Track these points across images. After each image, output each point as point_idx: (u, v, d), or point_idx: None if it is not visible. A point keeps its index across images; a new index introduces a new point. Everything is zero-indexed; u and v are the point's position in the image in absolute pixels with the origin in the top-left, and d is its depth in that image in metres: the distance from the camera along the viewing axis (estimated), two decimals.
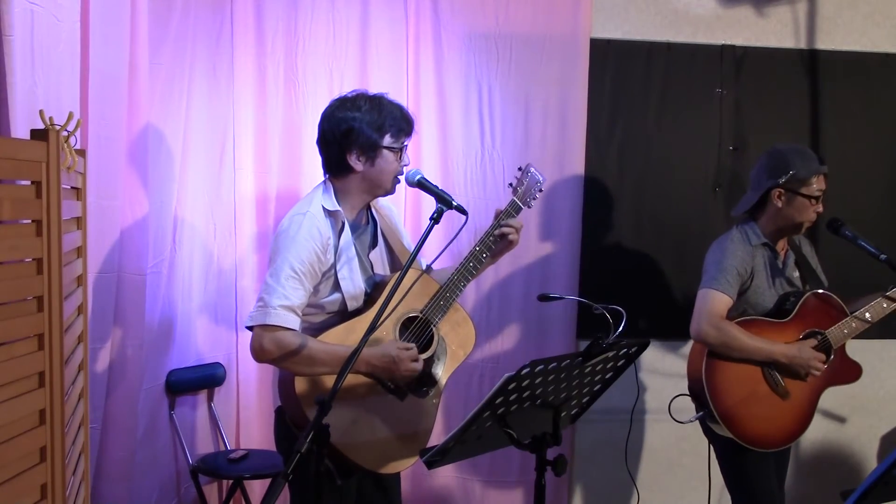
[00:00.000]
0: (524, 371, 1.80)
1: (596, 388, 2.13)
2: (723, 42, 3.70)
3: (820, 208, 2.80)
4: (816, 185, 2.78)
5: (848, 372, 2.89)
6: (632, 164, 3.69)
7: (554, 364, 1.88)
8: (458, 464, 3.50)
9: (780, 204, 2.79)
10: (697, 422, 2.87)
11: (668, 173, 3.70)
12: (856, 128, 3.76)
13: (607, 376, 2.11)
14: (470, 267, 2.45)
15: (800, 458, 3.81)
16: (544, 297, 2.81)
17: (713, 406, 2.71)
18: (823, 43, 3.74)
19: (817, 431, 3.83)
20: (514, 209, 2.52)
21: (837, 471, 3.86)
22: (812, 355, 2.74)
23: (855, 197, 3.73)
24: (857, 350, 2.93)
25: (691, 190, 3.71)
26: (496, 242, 2.48)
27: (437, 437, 2.44)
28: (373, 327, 1.99)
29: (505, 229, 2.47)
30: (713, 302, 2.73)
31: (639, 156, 3.69)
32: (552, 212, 3.58)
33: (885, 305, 2.81)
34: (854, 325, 2.81)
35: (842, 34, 3.75)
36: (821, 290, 2.84)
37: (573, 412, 2.15)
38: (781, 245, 2.90)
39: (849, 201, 3.68)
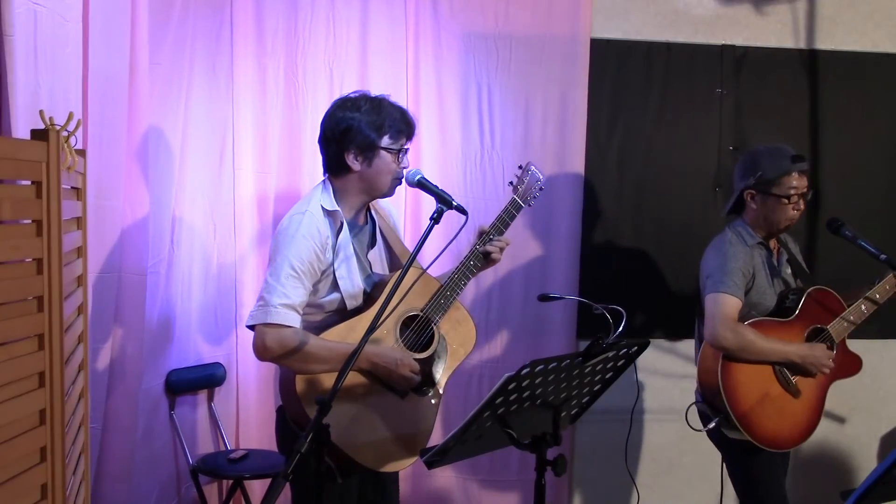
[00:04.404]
0: (524, 371, 1.80)
1: (596, 388, 2.13)
2: (723, 42, 3.70)
3: (800, 206, 2.79)
4: (788, 184, 2.75)
5: (850, 365, 2.91)
6: (632, 164, 3.69)
7: (554, 364, 1.88)
8: (458, 463, 3.50)
9: (753, 205, 2.82)
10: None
11: (668, 173, 3.70)
12: (856, 128, 3.76)
13: (607, 376, 2.11)
14: (471, 265, 2.46)
15: (800, 458, 3.81)
16: (544, 298, 2.81)
17: (731, 410, 2.68)
18: (823, 43, 3.74)
19: (817, 431, 3.77)
20: (514, 208, 2.52)
21: (837, 471, 3.87)
22: (824, 354, 2.76)
23: (855, 197, 3.73)
24: (857, 350, 2.93)
25: (691, 190, 3.71)
26: (482, 259, 2.48)
27: (437, 437, 2.44)
28: (373, 327, 1.99)
29: (489, 248, 2.47)
30: (725, 305, 2.70)
31: (639, 156, 3.69)
32: (552, 212, 3.58)
33: (877, 297, 2.83)
34: (852, 318, 2.83)
35: (842, 34, 3.75)
36: (820, 287, 2.84)
37: (573, 412, 2.15)
38: (773, 244, 2.91)
39: (849, 201, 3.69)
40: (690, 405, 2.82)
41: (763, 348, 2.70)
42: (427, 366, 2.42)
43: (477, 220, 3.35)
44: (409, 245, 2.65)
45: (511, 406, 1.90)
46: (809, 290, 2.82)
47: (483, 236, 2.49)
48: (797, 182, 2.76)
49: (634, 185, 3.69)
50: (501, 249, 2.50)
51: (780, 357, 2.74)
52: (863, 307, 2.83)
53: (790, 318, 2.78)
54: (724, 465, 2.89)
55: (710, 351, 2.77)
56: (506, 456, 3.57)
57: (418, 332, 2.42)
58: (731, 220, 2.92)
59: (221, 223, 3.44)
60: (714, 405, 2.75)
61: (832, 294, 2.85)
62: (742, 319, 2.75)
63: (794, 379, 2.78)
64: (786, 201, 2.75)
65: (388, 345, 2.36)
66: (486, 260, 2.49)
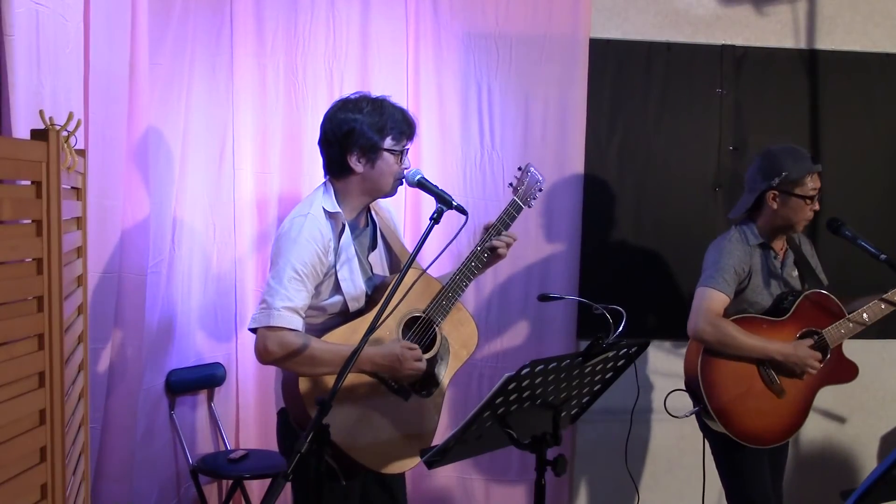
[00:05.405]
0: (524, 371, 1.80)
1: (596, 388, 2.13)
2: (723, 42, 3.70)
3: (816, 206, 2.82)
4: (810, 184, 2.78)
5: (844, 372, 2.90)
6: (632, 164, 3.69)
7: (554, 364, 1.89)
8: (459, 463, 3.49)
9: (775, 205, 2.81)
10: (695, 420, 2.88)
11: (668, 173, 3.70)
12: (856, 128, 3.75)
13: (607, 376, 2.11)
14: (472, 266, 2.46)
15: (800, 458, 3.81)
16: (544, 298, 2.81)
17: (708, 402, 2.74)
18: (823, 43, 3.73)
19: (817, 431, 3.83)
20: (514, 209, 2.52)
21: (837, 471, 3.86)
22: (808, 354, 2.76)
23: (855, 197, 3.72)
24: (857, 350, 2.93)
25: (691, 190, 3.71)
26: (488, 254, 2.48)
27: (438, 437, 2.44)
28: (373, 327, 1.99)
29: (496, 242, 2.47)
30: (710, 300, 2.75)
31: (639, 156, 3.69)
32: (552, 212, 3.58)
33: (882, 307, 2.82)
34: (851, 325, 2.82)
35: (842, 34, 3.74)
36: (819, 290, 2.84)
37: (573, 412, 2.15)
38: (780, 245, 2.91)
39: (849, 201, 3.69)
40: (672, 391, 2.85)
41: (743, 344, 2.73)
42: (430, 367, 2.42)
43: (477, 220, 3.36)
44: (409, 245, 2.65)
45: (511, 406, 1.90)
46: (807, 292, 2.82)
47: (484, 237, 2.49)
48: (815, 182, 2.79)
49: (634, 185, 3.69)
50: (508, 245, 2.50)
51: (760, 354, 2.76)
52: (864, 315, 2.82)
53: (783, 318, 2.80)
54: (713, 456, 2.91)
55: (695, 343, 2.82)
56: (506, 456, 3.57)
57: (420, 333, 2.42)
58: (739, 220, 2.92)
59: (221, 223, 3.44)
60: (696, 395, 2.80)
61: (832, 299, 2.85)
62: (736, 316, 2.78)
63: (780, 378, 2.79)
64: (808, 202, 2.78)
65: None
66: (492, 255, 2.49)
